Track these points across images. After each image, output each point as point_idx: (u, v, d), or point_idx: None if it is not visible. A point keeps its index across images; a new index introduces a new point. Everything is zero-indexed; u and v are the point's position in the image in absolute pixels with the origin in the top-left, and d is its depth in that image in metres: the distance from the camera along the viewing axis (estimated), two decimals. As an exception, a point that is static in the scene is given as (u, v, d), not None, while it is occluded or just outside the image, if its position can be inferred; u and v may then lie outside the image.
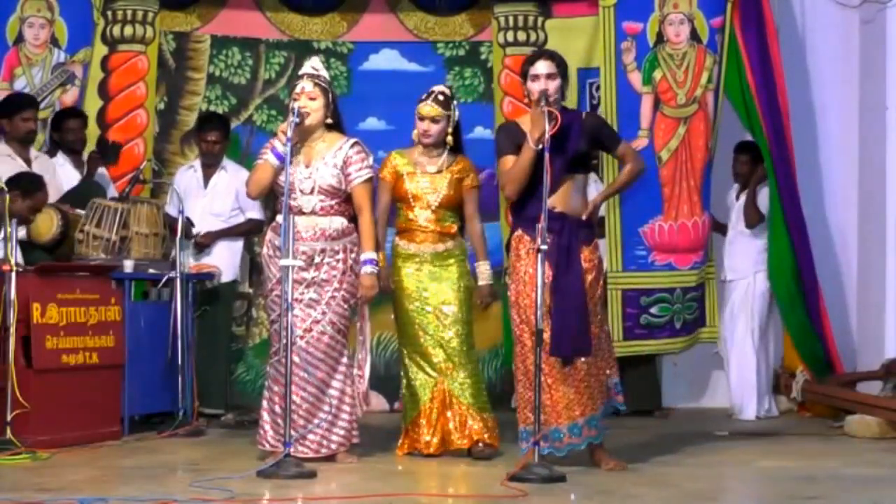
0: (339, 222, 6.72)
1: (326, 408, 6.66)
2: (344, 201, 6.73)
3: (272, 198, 6.94)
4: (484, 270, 7.24)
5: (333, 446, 6.71)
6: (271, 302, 6.72)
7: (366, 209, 6.73)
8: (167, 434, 7.63)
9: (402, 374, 7.24)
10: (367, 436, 7.04)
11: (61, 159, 8.53)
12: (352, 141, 6.78)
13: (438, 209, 7.14)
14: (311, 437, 6.65)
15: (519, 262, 6.45)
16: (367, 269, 6.69)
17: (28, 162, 8.27)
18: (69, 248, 8.03)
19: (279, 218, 6.62)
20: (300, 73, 6.80)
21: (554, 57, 6.56)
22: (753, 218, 9.18)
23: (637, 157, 6.84)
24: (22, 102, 8.44)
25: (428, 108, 7.09)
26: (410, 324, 7.14)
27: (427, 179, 7.16)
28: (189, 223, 8.26)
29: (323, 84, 6.72)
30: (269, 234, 6.77)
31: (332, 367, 6.71)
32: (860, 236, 9.63)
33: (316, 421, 6.65)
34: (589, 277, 6.45)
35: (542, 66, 6.47)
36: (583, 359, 6.39)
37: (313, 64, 6.82)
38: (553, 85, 6.43)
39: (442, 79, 9.55)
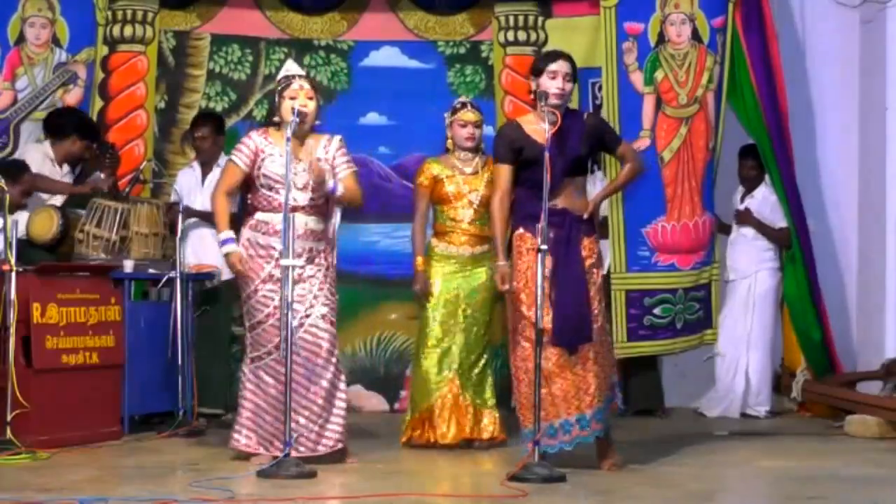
0: (322, 223, 6.76)
1: (320, 401, 6.64)
2: (326, 201, 6.76)
3: (244, 193, 6.89)
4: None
5: (330, 443, 6.69)
6: (256, 303, 6.66)
7: (357, 191, 6.81)
8: (167, 434, 7.63)
9: (414, 367, 7.57)
10: (368, 436, 7.04)
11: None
12: (337, 137, 6.84)
13: (479, 208, 7.45)
14: (311, 434, 6.63)
15: (521, 259, 6.46)
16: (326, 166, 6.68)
17: (61, 173, 8.41)
18: (69, 248, 8.03)
19: (260, 215, 6.67)
20: (290, 73, 6.79)
21: (571, 60, 6.61)
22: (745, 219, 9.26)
23: (637, 157, 6.93)
24: (98, 137, 8.60)
25: (471, 114, 7.56)
26: (439, 323, 7.45)
27: (465, 180, 7.52)
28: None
29: (314, 84, 6.80)
30: (248, 233, 6.72)
31: (327, 359, 6.67)
32: (860, 236, 9.63)
33: (303, 420, 6.61)
34: (587, 262, 6.48)
35: (563, 66, 6.52)
36: (589, 349, 6.39)
37: (297, 67, 6.91)
38: (568, 85, 6.51)
39: (443, 75, 9.59)
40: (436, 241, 7.56)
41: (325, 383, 6.65)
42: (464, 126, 7.54)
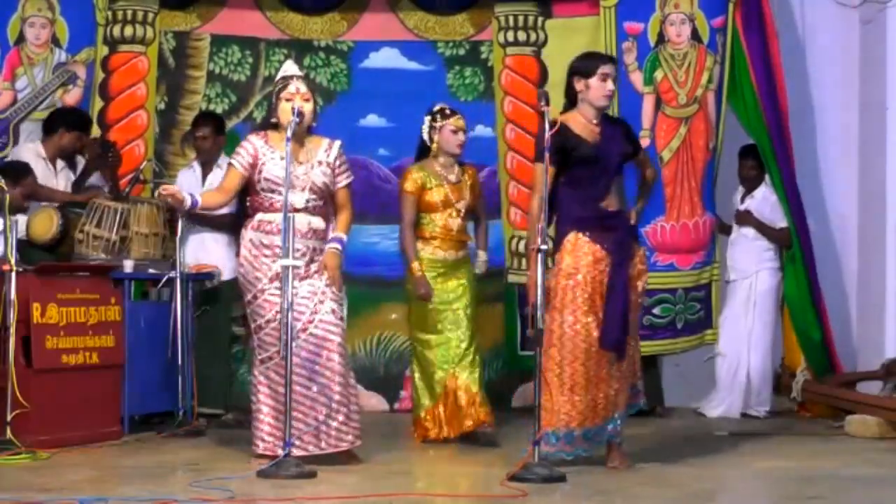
0: (324, 223, 6.78)
1: (338, 397, 6.61)
2: (327, 203, 6.78)
3: (242, 193, 6.89)
4: (483, 259, 7.93)
5: (350, 438, 6.67)
6: (264, 301, 6.63)
7: (348, 207, 6.85)
8: (167, 434, 7.63)
9: (414, 370, 7.73)
10: (368, 436, 7.03)
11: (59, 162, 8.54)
12: (338, 142, 6.84)
13: (465, 216, 7.73)
14: (332, 430, 6.60)
15: (578, 261, 6.41)
16: (335, 245, 6.76)
17: (55, 172, 8.37)
18: (69, 248, 8.03)
19: (262, 216, 6.66)
20: (287, 74, 6.79)
21: (614, 60, 6.78)
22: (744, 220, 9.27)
23: (651, 164, 6.99)
24: (90, 126, 8.57)
25: (461, 121, 7.70)
26: (431, 325, 7.64)
27: (451, 189, 7.67)
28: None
29: (311, 86, 6.83)
30: (251, 234, 6.70)
31: (340, 353, 6.65)
32: (860, 236, 9.63)
33: (322, 415, 6.60)
34: (644, 278, 6.60)
35: (613, 69, 6.59)
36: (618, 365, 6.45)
37: (295, 68, 6.90)
38: (613, 87, 6.56)
39: (443, 77, 9.58)
40: (421, 245, 7.68)
41: (339, 377, 6.62)
42: (455, 132, 7.66)
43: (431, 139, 7.69)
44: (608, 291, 6.40)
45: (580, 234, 6.45)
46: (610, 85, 6.53)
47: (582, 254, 6.42)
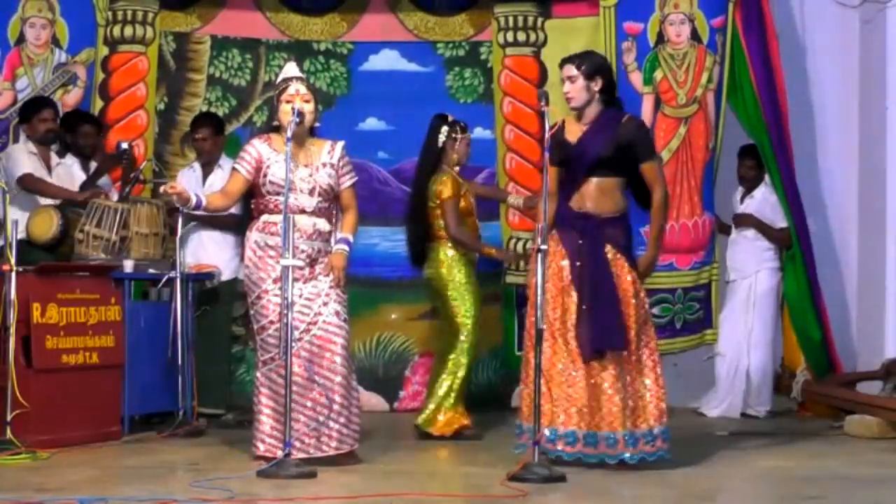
0: (330, 225, 6.77)
1: (339, 399, 6.61)
2: (332, 204, 6.78)
3: (248, 196, 6.89)
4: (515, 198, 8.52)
5: (350, 441, 6.66)
6: (268, 302, 6.62)
7: (354, 207, 6.85)
8: (167, 434, 7.63)
9: (463, 364, 7.79)
10: (368, 436, 7.04)
11: (69, 160, 8.53)
12: (341, 143, 6.85)
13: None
14: (333, 432, 6.60)
15: (548, 259, 6.45)
16: (342, 246, 6.77)
17: (49, 168, 8.33)
18: (69, 248, 8.03)
19: (267, 217, 6.66)
20: (287, 76, 6.79)
21: (573, 59, 6.64)
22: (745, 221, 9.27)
23: (660, 182, 6.73)
24: (38, 104, 8.50)
25: (470, 135, 8.01)
26: (476, 323, 7.82)
27: (471, 196, 7.99)
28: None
29: (311, 87, 6.82)
30: (256, 235, 6.70)
31: (343, 355, 6.65)
32: (860, 236, 9.63)
33: (323, 417, 6.59)
34: (618, 273, 6.52)
35: (564, 71, 6.60)
36: (612, 371, 6.40)
37: (295, 70, 6.89)
38: (574, 87, 6.53)
39: (442, 79, 9.58)
40: (464, 250, 7.83)
41: (340, 379, 6.62)
42: (468, 145, 7.96)
43: (445, 148, 7.83)
44: (577, 292, 6.42)
45: (555, 234, 6.49)
46: (566, 88, 6.55)
47: (551, 252, 6.45)
